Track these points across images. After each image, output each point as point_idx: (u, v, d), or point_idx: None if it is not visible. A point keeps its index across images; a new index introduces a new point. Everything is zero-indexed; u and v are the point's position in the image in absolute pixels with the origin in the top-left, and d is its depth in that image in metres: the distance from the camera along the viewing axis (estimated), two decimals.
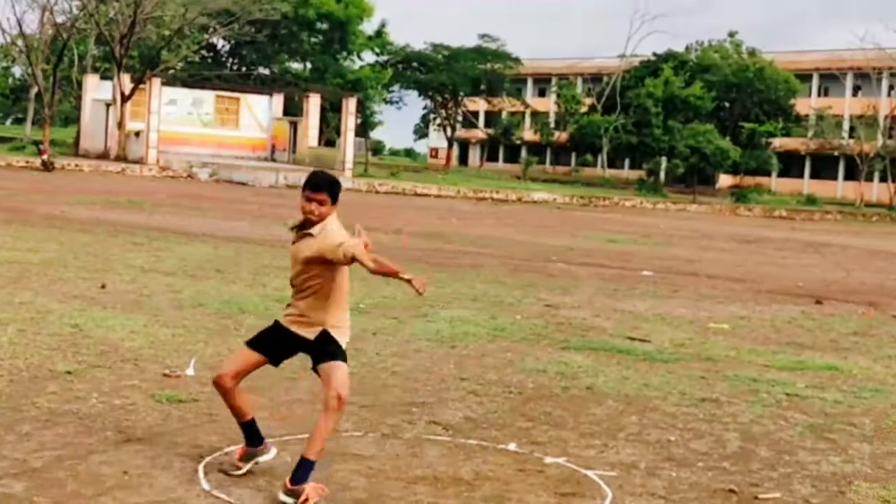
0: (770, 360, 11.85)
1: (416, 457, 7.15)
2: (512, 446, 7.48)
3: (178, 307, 12.66)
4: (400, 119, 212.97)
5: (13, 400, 7.89)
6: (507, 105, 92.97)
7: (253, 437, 6.53)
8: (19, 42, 63.37)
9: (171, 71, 62.38)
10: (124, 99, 54.36)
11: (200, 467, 6.55)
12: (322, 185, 6.38)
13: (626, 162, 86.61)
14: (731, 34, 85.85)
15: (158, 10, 57.90)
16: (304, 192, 6.41)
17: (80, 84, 62.72)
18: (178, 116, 57.13)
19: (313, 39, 75.66)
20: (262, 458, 6.55)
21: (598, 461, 7.26)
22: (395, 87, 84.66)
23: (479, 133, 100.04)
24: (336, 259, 6.26)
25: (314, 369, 6.37)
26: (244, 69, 77.24)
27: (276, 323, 6.57)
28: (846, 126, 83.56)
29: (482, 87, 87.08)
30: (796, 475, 7.24)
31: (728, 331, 14.00)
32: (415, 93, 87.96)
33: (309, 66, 77.34)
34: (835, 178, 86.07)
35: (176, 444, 7.06)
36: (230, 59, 78.64)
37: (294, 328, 6.41)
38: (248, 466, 6.50)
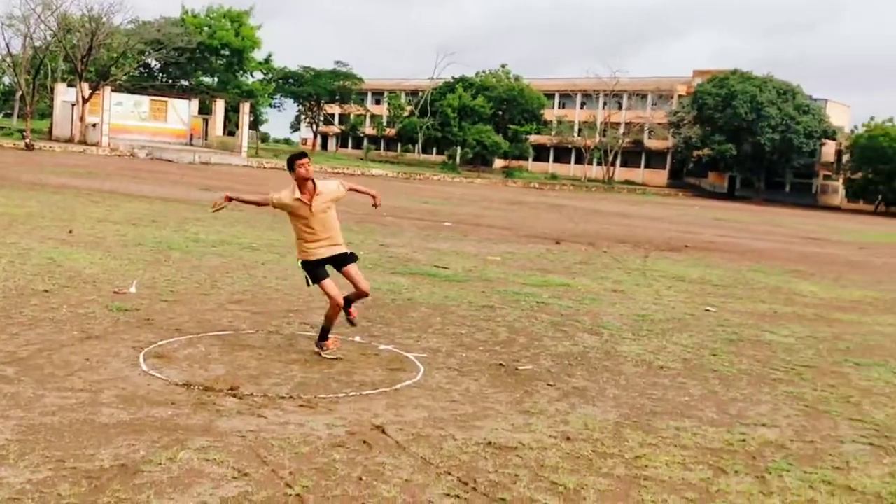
0: (526, 279, 12.11)
1: (292, 346, 7.06)
2: (357, 338, 7.46)
3: (124, 245, 12.12)
4: (281, 117, 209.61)
5: (5, 311, 7.46)
6: (354, 109, 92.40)
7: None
8: (8, 59, 61.90)
9: (118, 81, 60.25)
10: (84, 101, 52.79)
11: (141, 355, 6.33)
12: (302, 154, 6.74)
13: (435, 149, 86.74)
14: (503, 65, 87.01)
15: (109, 39, 57.24)
16: (295, 163, 6.60)
17: (52, 90, 61.42)
18: (123, 113, 55.49)
19: (219, 61, 74.03)
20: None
21: (414, 347, 7.31)
22: (277, 96, 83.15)
23: (335, 128, 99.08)
24: (342, 197, 6.79)
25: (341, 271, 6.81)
26: (171, 81, 74.64)
27: (318, 261, 6.77)
28: (576, 128, 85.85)
29: (337, 96, 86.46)
30: (542, 354, 7.44)
31: (500, 261, 14.23)
32: (291, 100, 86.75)
33: (216, 79, 75.41)
34: (569, 162, 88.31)
35: (123, 339, 6.79)
36: (161, 74, 75.71)
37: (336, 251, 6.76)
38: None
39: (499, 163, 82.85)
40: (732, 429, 5.58)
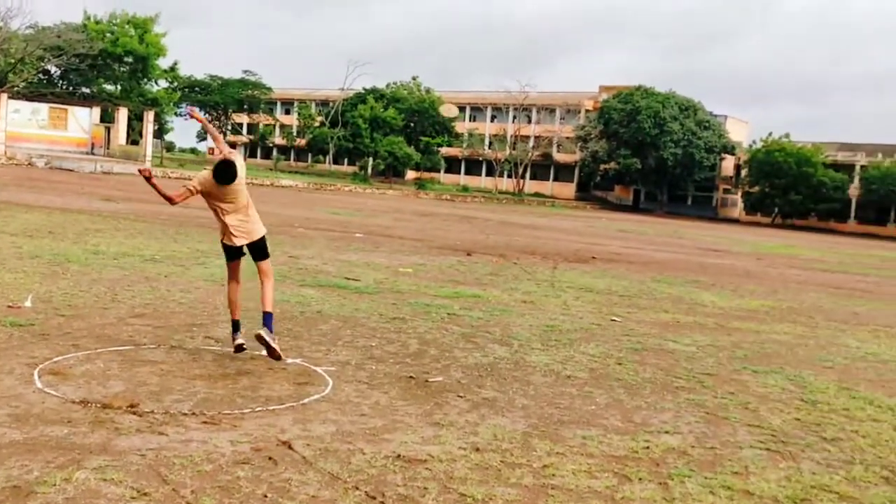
0: (438, 291, 12.12)
1: (195, 361, 6.87)
2: (264, 352, 7.32)
3: (19, 258, 11.58)
4: (187, 127, 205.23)
5: None
6: (262, 119, 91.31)
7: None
8: None
9: (16, 88, 57.77)
10: None
11: (35, 372, 6.04)
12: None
13: (346, 160, 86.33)
14: (414, 78, 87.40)
15: (6, 44, 55.00)
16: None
17: None
18: (21, 121, 53.05)
19: (122, 69, 71.66)
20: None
21: (323, 360, 7.22)
22: (183, 105, 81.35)
23: (243, 138, 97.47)
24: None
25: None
26: (71, 89, 71.89)
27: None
28: (487, 141, 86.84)
29: (245, 106, 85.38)
30: (453, 366, 7.46)
31: (411, 273, 14.22)
32: (197, 108, 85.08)
33: (119, 87, 73.09)
34: (480, 174, 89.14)
35: (17, 356, 6.47)
36: (61, 81, 72.86)
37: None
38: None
39: (411, 174, 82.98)
40: (637, 436, 5.70)
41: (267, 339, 6.81)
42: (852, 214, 73.79)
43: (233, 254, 7.26)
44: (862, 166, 72.71)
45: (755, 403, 6.92)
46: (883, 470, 5.41)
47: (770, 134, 76.87)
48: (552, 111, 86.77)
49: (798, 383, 7.85)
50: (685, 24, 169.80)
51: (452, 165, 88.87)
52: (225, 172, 6.92)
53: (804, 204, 71.33)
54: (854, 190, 72.26)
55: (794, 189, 70.78)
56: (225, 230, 7.16)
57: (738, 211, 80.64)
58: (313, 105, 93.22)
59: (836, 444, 5.90)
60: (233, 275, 7.33)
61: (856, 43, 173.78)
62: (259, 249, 7.31)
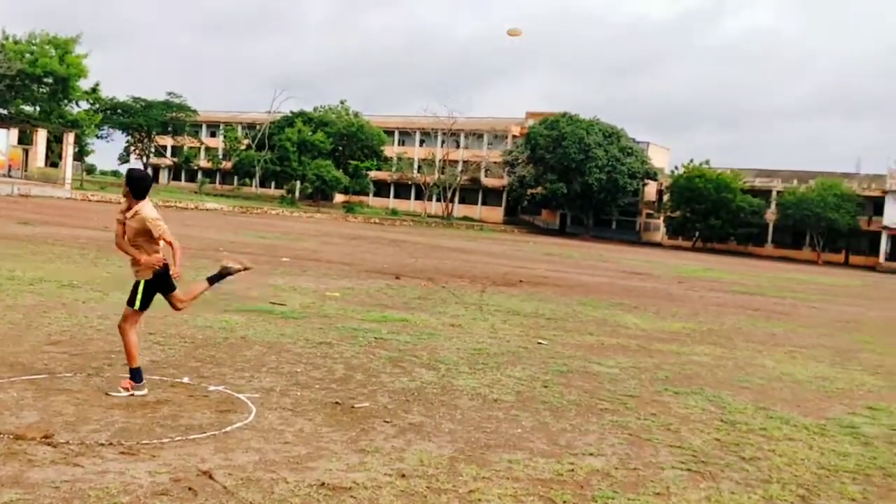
0: (365, 315, 12.06)
1: (113, 390, 6.66)
2: (185, 379, 7.16)
3: None
4: (109, 149, 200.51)
5: None
6: (187, 141, 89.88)
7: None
8: None
9: None
10: None
11: None
12: (126, 181, 6.64)
13: (273, 184, 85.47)
14: (342, 101, 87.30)
15: None
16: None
17: None
18: None
19: (42, 90, 69.56)
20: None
21: (247, 387, 7.09)
22: (105, 127, 79.46)
23: (167, 160, 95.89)
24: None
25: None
26: None
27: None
28: (416, 165, 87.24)
29: (169, 128, 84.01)
30: (379, 391, 7.41)
31: (338, 297, 14.12)
32: (120, 131, 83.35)
33: (38, 109, 70.93)
34: (409, 198, 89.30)
35: None
36: None
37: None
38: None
39: (339, 198, 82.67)
40: (562, 459, 5.75)
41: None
42: (769, 238, 76.33)
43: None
44: (778, 192, 75.37)
45: (676, 424, 7.06)
46: (799, 488, 5.57)
47: (691, 160, 79.16)
48: (480, 136, 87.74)
49: (717, 404, 8.04)
50: (608, 54, 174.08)
51: (381, 189, 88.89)
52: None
53: (724, 228, 73.47)
54: (771, 215, 74.80)
55: (714, 214, 72.89)
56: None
57: (660, 235, 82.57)
58: (240, 128, 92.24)
59: (754, 464, 6.05)
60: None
61: (773, 73, 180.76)
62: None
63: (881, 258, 69.14)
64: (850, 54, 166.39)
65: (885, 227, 69.39)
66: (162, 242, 6.65)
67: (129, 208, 6.67)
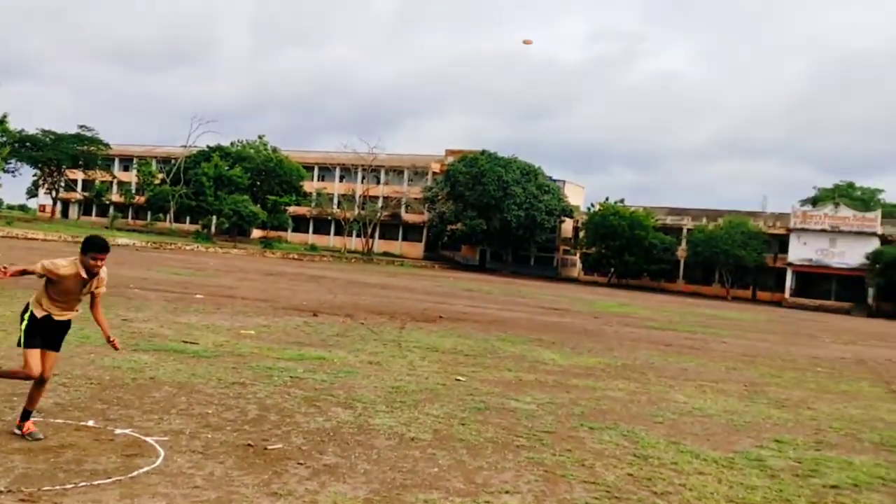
0: (281, 354, 11.85)
1: (14, 434, 6.36)
2: (90, 422, 6.88)
3: None
4: (16, 183, 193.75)
5: None
6: (99, 175, 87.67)
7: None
8: None
9: None
10: None
11: None
12: (106, 249, 6.45)
13: (188, 218, 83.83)
14: (260, 136, 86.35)
15: None
16: (93, 254, 6.36)
17: None
18: None
19: None
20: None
21: (155, 430, 6.86)
22: (13, 160, 76.74)
23: (77, 195, 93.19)
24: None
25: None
26: None
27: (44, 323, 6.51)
28: (336, 200, 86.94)
29: (80, 162, 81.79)
30: (294, 431, 7.27)
31: (254, 335, 13.86)
32: (28, 164, 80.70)
33: None
34: (328, 233, 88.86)
35: None
36: None
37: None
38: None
39: (257, 233, 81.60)
40: (478, 498, 5.73)
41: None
42: (681, 274, 78.60)
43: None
44: (688, 230, 77.91)
45: (591, 460, 7.13)
46: None
47: (607, 198, 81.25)
48: (401, 173, 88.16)
49: (631, 439, 8.16)
50: (522, 95, 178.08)
51: (300, 224, 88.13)
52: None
53: (637, 264, 75.36)
54: (682, 252, 77.15)
55: (628, 250, 74.77)
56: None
57: (577, 271, 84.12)
58: (154, 162, 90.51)
59: (666, 498, 6.15)
60: None
61: (681, 115, 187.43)
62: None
63: (787, 293, 71.96)
64: (754, 99, 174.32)
65: (790, 264, 72.30)
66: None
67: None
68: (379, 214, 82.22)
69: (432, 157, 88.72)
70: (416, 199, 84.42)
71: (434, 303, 27.16)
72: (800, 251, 71.92)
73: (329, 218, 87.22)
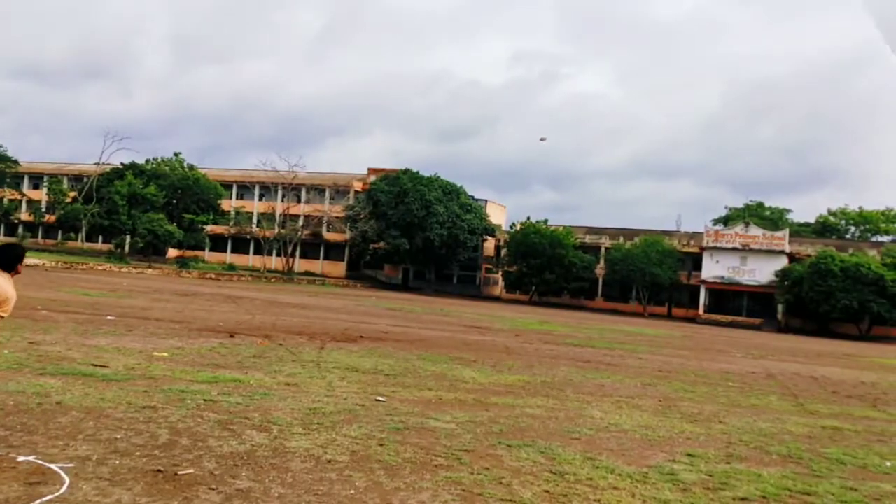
0: (195, 376, 11.60)
1: None
2: None
3: None
4: None
5: None
6: (7, 194, 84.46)
7: None
8: None
9: None
10: None
11: None
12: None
13: (101, 238, 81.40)
14: (176, 154, 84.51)
15: None
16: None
17: None
18: None
19: None
20: None
21: (60, 457, 6.61)
22: None
23: None
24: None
25: None
26: None
27: None
28: (255, 219, 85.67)
29: None
30: (206, 456, 7.11)
31: (167, 357, 13.54)
32: None
33: None
34: (247, 252, 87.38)
35: None
36: None
37: None
38: None
39: (173, 252, 79.73)
40: None
41: None
42: (599, 292, 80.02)
43: None
44: (606, 248, 79.44)
45: (509, 477, 7.17)
46: None
47: (528, 218, 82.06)
48: (322, 191, 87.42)
49: (548, 455, 8.24)
50: (443, 115, 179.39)
51: (218, 243, 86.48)
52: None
53: (558, 282, 76.42)
54: (600, 270, 78.60)
55: (549, 269, 75.79)
56: None
57: (499, 289, 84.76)
58: (66, 180, 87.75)
59: None
60: None
61: (598, 137, 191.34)
62: None
63: (700, 310, 73.99)
64: (670, 121, 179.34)
65: (703, 281, 74.46)
66: None
67: None
68: (300, 233, 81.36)
69: (354, 175, 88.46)
70: (337, 217, 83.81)
71: (355, 322, 27.00)
72: (712, 269, 74.16)
73: (248, 237, 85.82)
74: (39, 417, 8.00)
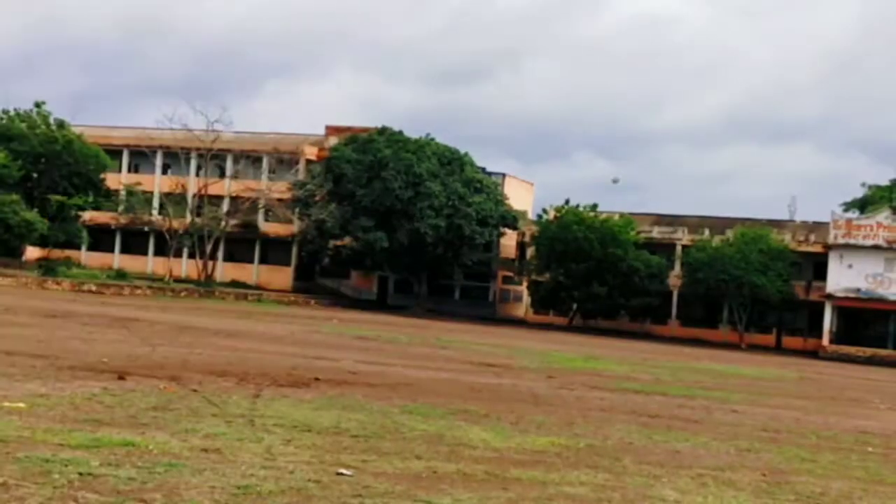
0: (66, 438, 11.60)
1: None
2: None
3: None
4: None
5: None
6: None
7: None
8: None
9: None
10: None
11: None
12: None
13: None
14: (38, 104, 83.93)
15: None
16: None
17: None
18: None
19: None
20: None
21: None
22: None
23: None
24: None
25: None
26: None
27: None
28: (156, 202, 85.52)
29: None
30: None
31: (25, 409, 13.53)
32: None
33: None
34: (145, 252, 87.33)
35: None
36: None
37: None
38: None
39: (32, 252, 79.61)
40: None
41: None
42: (674, 312, 79.40)
43: None
44: (684, 246, 78.50)
45: None
46: None
47: (567, 201, 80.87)
48: (258, 160, 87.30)
49: None
50: (448, 45, 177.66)
51: (101, 239, 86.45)
52: None
53: (612, 298, 75.80)
54: (675, 279, 77.85)
55: (599, 278, 75.18)
56: None
57: (523, 308, 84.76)
58: None
59: None
60: None
61: (678, 79, 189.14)
62: None
63: (825, 339, 73.15)
64: (777, 57, 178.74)
65: (830, 296, 73.48)
66: None
67: None
68: (224, 224, 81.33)
69: (306, 137, 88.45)
70: (280, 200, 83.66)
71: (307, 358, 27.03)
72: (844, 277, 73.48)
73: (146, 229, 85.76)
74: None
